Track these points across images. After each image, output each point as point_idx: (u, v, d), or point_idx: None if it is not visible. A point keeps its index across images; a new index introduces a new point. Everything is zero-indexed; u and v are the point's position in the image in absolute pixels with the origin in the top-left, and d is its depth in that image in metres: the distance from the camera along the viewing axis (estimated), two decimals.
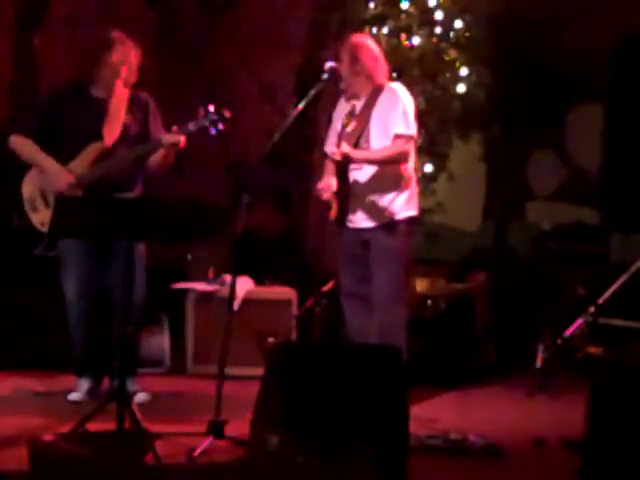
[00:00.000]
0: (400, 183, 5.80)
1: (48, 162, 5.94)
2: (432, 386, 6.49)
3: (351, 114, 5.79)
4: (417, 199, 5.92)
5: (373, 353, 4.70)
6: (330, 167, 5.87)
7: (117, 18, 7.58)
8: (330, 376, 4.48)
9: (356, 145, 5.74)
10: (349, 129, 5.73)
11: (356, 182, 5.75)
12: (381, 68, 5.89)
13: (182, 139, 5.79)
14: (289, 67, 8.22)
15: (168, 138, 5.81)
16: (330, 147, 5.91)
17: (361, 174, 5.76)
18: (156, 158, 5.95)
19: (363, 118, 5.76)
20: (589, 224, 8.72)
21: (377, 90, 5.81)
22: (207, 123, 5.63)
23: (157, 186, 6.24)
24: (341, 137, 5.74)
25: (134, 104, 6.04)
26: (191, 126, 5.72)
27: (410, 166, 5.87)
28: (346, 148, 5.67)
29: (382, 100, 5.77)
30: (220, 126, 5.63)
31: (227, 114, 5.63)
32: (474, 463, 5.01)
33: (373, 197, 5.76)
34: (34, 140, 5.96)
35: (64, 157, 5.92)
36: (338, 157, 5.67)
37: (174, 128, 5.81)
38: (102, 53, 5.94)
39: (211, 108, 5.64)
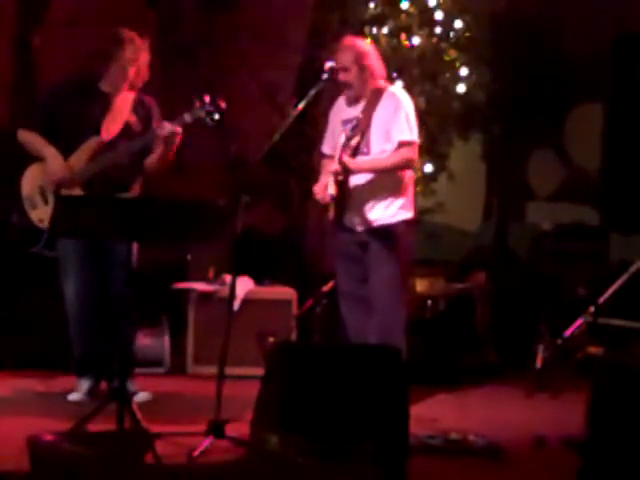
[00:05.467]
0: (400, 187, 5.79)
1: (48, 150, 5.94)
2: (432, 386, 6.50)
3: (355, 128, 5.73)
4: (414, 201, 5.92)
5: (373, 353, 4.70)
6: (327, 167, 5.86)
7: (117, 18, 7.57)
8: (330, 376, 4.48)
9: (356, 150, 5.72)
10: (354, 143, 5.70)
11: (355, 185, 5.74)
12: (383, 70, 5.89)
13: (178, 130, 5.78)
14: (289, 67, 8.22)
15: (162, 129, 5.80)
16: (329, 150, 5.91)
17: (360, 177, 5.74)
18: (153, 159, 5.94)
19: (363, 123, 5.74)
20: (589, 224, 8.73)
21: (377, 93, 5.78)
22: (203, 114, 5.63)
23: (157, 186, 6.24)
24: (344, 149, 5.70)
25: (139, 105, 6.03)
26: (187, 117, 5.72)
27: (411, 170, 5.87)
28: (349, 160, 5.63)
29: (383, 105, 5.75)
30: (216, 116, 5.63)
31: (222, 105, 5.62)
32: (474, 463, 5.02)
33: (372, 200, 5.75)
34: (41, 132, 5.98)
35: (65, 149, 5.93)
36: (341, 175, 5.64)
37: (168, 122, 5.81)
38: (113, 50, 5.94)
39: (207, 99, 5.64)
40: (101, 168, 5.88)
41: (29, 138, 6.03)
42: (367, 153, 5.74)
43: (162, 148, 5.86)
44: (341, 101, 5.94)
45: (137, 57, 5.95)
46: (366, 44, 5.96)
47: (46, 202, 5.94)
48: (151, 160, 5.95)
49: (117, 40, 5.95)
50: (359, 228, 5.79)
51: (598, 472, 4.27)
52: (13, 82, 8.00)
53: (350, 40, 5.86)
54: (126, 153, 5.93)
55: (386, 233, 5.76)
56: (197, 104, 5.65)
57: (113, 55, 5.94)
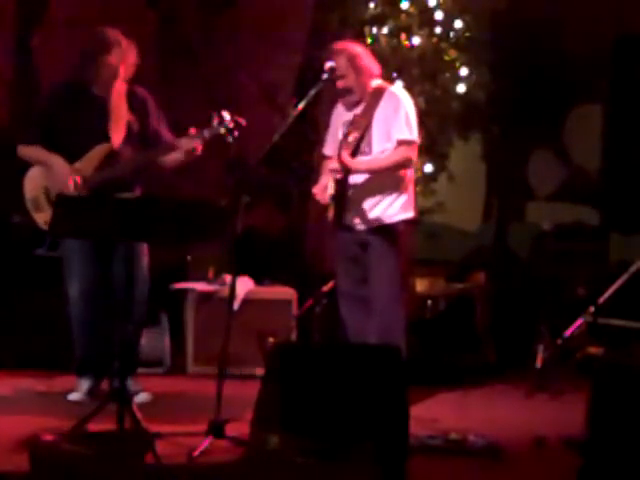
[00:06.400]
0: (399, 186, 5.79)
1: (55, 160, 5.93)
2: (432, 386, 6.49)
3: (352, 124, 5.76)
4: (414, 201, 5.92)
5: (373, 353, 4.70)
6: (327, 169, 5.86)
7: (117, 18, 7.57)
8: (330, 376, 4.48)
9: (357, 150, 5.72)
10: (350, 139, 5.71)
11: (355, 184, 5.74)
12: (377, 68, 5.89)
13: (196, 147, 5.79)
14: (289, 67, 8.22)
15: (185, 143, 5.80)
16: (330, 152, 5.90)
17: (360, 177, 5.74)
18: (174, 159, 5.94)
19: (364, 123, 5.74)
20: (589, 224, 8.72)
21: (378, 93, 5.79)
22: (222, 131, 5.61)
23: (157, 186, 6.24)
24: (342, 146, 5.71)
25: (132, 99, 6.03)
26: (206, 133, 5.70)
27: (410, 169, 5.87)
28: (348, 159, 5.65)
29: (383, 105, 5.76)
30: (236, 134, 5.61)
31: (242, 121, 5.60)
32: (474, 463, 5.01)
33: (371, 199, 5.76)
34: (41, 144, 5.97)
35: (69, 157, 5.93)
36: (339, 173, 5.64)
37: (192, 131, 5.79)
38: (99, 55, 5.93)
39: (226, 115, 5.61)
40: (112, 177, 5.88)
41: (30, 152, 6.02)
42: (369, 153, 5.75)
43: (182, 158, 5.89)
44: (341, 105, 5.94)
45: (124, 57, 5.94)
46: (357, 45, 5.95)
47: (51, 204, 5.93)
48: (170, 160, 5.96)
49: (102, 45, 5.93)
50: (359, 227, 5.79)
51: (598, 472, 4.27)
52: (13, 82, 8.00)
53: (340, 45, 5.85)
54: (138, 163, 5.94)
55: (386, 232, 5.76)
56: (215, 120, 5.62)
57: (100, 60, 5.93)
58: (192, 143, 5.78)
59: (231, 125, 5.57)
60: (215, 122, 5.61)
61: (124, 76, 5.98)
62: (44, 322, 6.80)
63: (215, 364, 5.21)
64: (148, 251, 5.98)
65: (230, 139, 5.60)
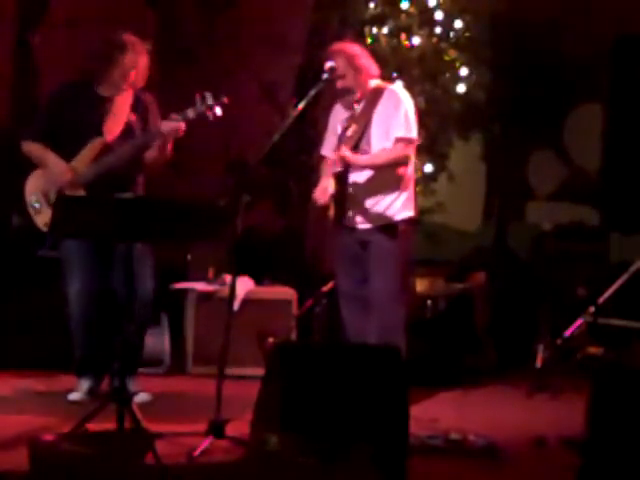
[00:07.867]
0: (399, 185, 5.80)
1: (51, 158, 5.95)
2: (432, 386, 6.50)
3: (352, 117, 5.78)
4: (415, 200, 5.93)
5: (373, 353, 4.71)
6: (327, 169, 5.87)
7: (117, 18, 7.58)
8: (330, 376, 4.48)
9: (356, 147, 5.73)
10: (349, 132, 5.73)
11: (355, 183, 5.75)
12: (376, 68, 5.90)
13: (181, 126, 5.79)
14: (289, 67, 8.22)
15: (166, 126, 5.81)
16: (329, 152, 5.91)
17: (360, 176, 5.75)
18: (152, 153, 5.95)
19: (363, 121, 5.75)
20: (589, 224, 8.73)
21: (377, 92, 5.80)
22: (205, 108, 5.63)
23: (157, 186, 6.24)
24: (341, 141, 5.73)
25: (137, 103, 6.04)
26: (190, 112, 5.72)
27: (410, 168, 5.87)
28: (347, 153, 5.66)
29: (383, 103, 5.77)
30: (218, 111, 5.63)
31: (225, 99, 5.63)
32: (474, 463, 5.01)
33: (372, 198, 5.76)
34: (44, 141, 5.98)
35: (68, 154, 5.94)
36: (338, 165, 5.66)
37: (173, 116, 5.80)
38: (114, 55, 5.94)
39: (208, 94, 5.64)
40: (106, 169, 5.89)
41: (32, 149, 6.03)
42: (368, 151, 5.76)
43: (161, 145, 5.88)
44: (340, 105, 5.95)
45: (138, 62, 5.96)
46: (355, 45, 5.97)
47: (50, 205, 5.94)
48: (150, 154, 5.96)
49: (118, 45, 5.95)
50: (360, 226, 5.79)
51: (598, 472, 4.27)
52: (13, 82, 8.00)
53: (338, 46, 5.88)
54: (129, 152, 5.94)
55: (387, 231, 5.77)
56: (199, 99, 5.66)
57: (114, 60, 5.94)
58: (174, 124, 5.78)
59: (213, 102, 5.60)
60: (198, 101, 5.64)
61: (134, 81, 5.98)
62: (44, 322, 6.80)
63: (215, 364, 5.20)
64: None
65: (211, 116, 5.63)
